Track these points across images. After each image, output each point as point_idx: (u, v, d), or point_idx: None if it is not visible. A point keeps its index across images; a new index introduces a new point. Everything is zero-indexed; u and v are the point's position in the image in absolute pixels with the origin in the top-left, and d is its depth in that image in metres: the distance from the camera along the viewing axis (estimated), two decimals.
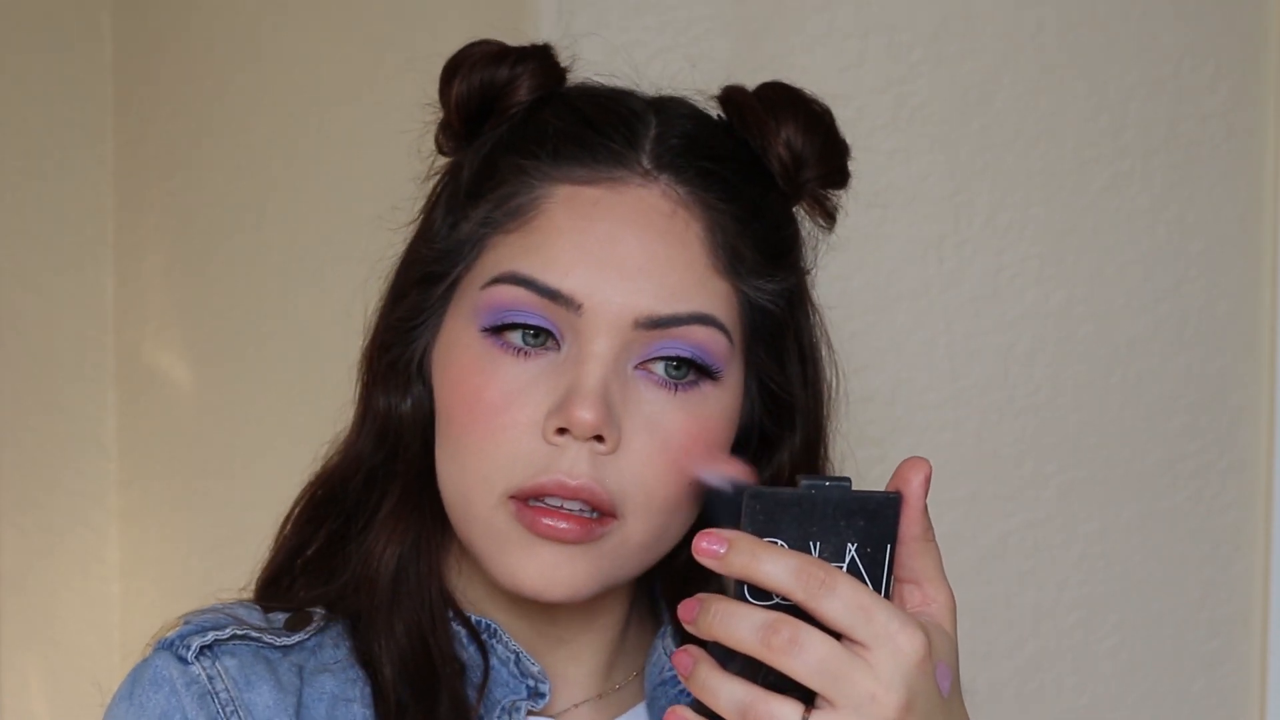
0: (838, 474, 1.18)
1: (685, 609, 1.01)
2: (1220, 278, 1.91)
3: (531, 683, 1.23)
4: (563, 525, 1.15)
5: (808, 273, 1.28)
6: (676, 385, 1.17)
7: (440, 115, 1.27)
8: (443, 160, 1.28)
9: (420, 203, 1.28)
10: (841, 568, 1.00)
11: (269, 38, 2.11)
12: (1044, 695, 1.89)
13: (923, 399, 1.84)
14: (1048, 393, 1.87)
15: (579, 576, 1.17)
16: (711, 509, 1.13)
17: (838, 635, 0.99)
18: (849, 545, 1.00)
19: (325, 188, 2.03)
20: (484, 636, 1.23)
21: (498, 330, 1.17)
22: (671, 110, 1.24)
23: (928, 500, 1.05)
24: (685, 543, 1.25)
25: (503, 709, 1.21)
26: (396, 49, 1.91)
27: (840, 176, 1.27)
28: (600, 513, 1.16)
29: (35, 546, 2.29)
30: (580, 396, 1.14)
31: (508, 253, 1.19)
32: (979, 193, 1.84)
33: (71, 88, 2.27)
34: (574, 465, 1.15)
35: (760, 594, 1.00)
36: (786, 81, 1.27)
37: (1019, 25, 1.84)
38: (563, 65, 1.27)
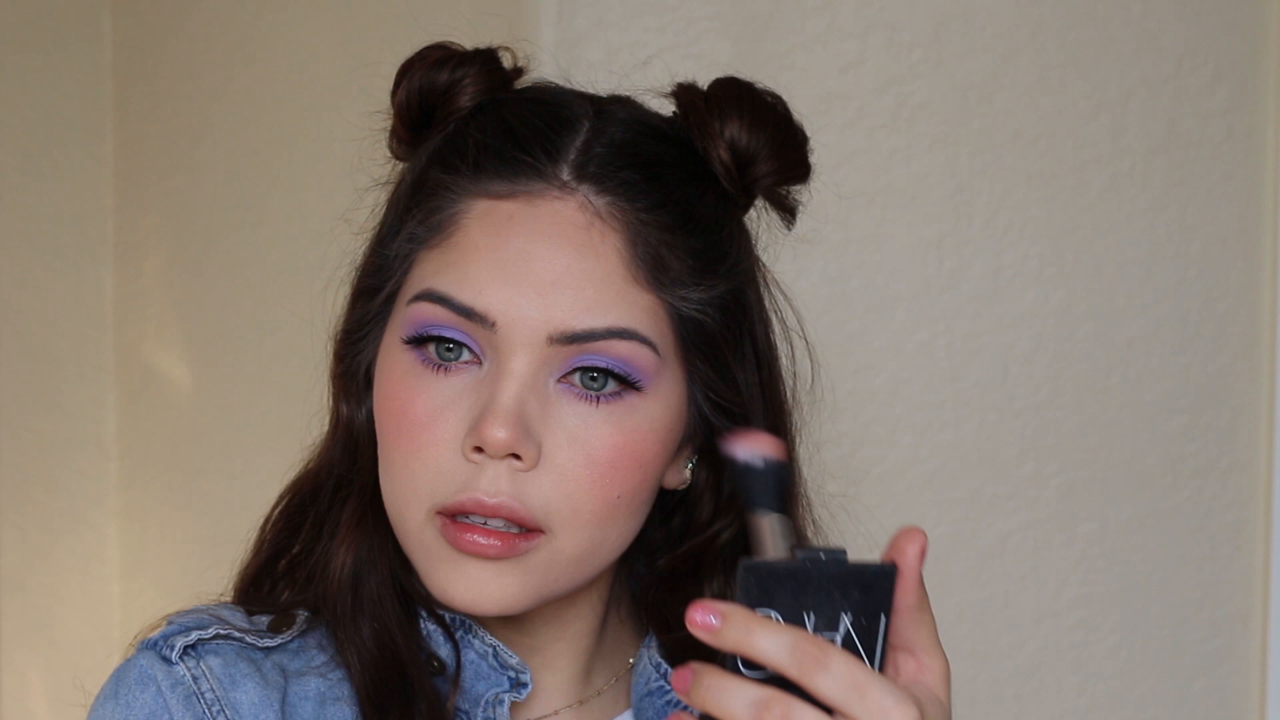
0: (832, 544, 1.17)
1: (679, 679, 1.00)
2: (1220, 278, 1.91)
3: (512, 674, 1.22)
4: (483, 541, 1.15)
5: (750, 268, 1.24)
6: (599, 397, 1.16)
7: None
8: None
9: (378, 210, 1.27)
10: (836, 638, 0.99)
11: (268, 38, 2.10)
12: (1044, 695, 1.89)
13: (923, 399, 1.84)
14: (1048, 393, 1.87)
15: (508, 590, 1.16)
16: (743, 485, 1.12)
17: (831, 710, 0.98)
18: (843, 616, 0.99)
19: (325, 188, 2.02)
20: (459, 633, 1.22)
21: (420, 343, 1.17)
22: (609, 116, 1.21)
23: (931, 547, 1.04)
24: (667, 546, 1.25)
25: (486, 703, 1.21)
26: (396, 49, 1.91)
27: (799, 170, 1.24)
28: (524, 528, 1.15)
29: (35, 546, 2.29)
30: (493, 415, 1.14)
31: (430, 269, 1.18)
32: (979, 193, 1.84)
33: (71, 88, 2.27)
34: (492, 484, 1.14)
35: (753, 664, 0.99)
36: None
37: (1019, 25, 1.84)
38: (518, 66, 1.25)
